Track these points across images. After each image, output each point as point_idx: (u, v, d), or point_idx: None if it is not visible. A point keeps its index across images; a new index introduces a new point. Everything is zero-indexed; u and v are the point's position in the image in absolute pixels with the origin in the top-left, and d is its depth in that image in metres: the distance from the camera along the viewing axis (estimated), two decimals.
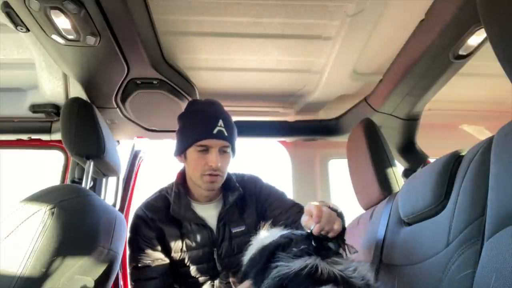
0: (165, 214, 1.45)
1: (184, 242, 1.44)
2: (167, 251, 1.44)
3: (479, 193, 0.78)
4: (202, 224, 1.45)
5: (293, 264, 0.83)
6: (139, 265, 1.41)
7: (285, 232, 1.05)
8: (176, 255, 1.44)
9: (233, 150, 1.46)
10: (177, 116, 1.50)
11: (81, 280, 1.30)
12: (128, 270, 1.58)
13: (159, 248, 1.43)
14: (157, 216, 1.44)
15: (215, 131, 1.36)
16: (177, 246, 1.43)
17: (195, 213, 1.46)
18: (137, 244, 1.43)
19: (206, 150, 1.38)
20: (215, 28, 1.43)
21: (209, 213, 1.49)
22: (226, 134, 1.38)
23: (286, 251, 0.90)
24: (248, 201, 1.54)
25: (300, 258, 0.85)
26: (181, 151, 1.44)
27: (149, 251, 1.41)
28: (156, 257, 1.42)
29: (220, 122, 1.38)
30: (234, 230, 1.48)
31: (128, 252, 1.47)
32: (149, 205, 1.48)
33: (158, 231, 1.43)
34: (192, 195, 1.51)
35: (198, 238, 1.44)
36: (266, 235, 1.09)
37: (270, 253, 0.92)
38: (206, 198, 1.50)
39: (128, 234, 1.49)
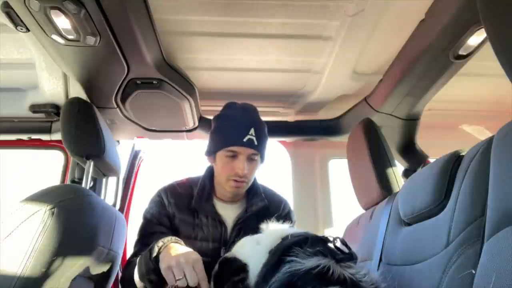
0: (184, 202, 1.48)
1: (196, 232, 1.45)
2: (176, 233, 1.44)
3: (479, 193, 0.77)
4: (218, 220, 1.47)
5: (307, 261, 0.83)
6: (144, 233, 1.44)
7: (297, 230, 1.05)
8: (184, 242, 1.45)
9: (262, 157, 1.49)
10: (213, 117, 1.54)
11: (81, 280, 1.30)
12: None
13: (167, 225, 1.45)
14: (175, 201, 1.47)
15: (245, 139, 1.39)
16: (188, 232, 1.44)
17: (215, 208, 1.49)
18: (148, 217, 1.46)
19: (234, 156, 1.41)
20: (215, 28, 1.43)
21: (228, 213, 1.51)
22: (256, 143, 1.41)
23: (303, 249, 0.90)
24: (270, 217, 1.53)
25: (315, 257, 0.85)
26: (212, 153, 1.48)
27: (155, 226, 1.44)
28: (158, 230, 1.43)
29: (252, 131, 1.40)
30: None
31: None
32: (173, 189, 1.52)
33: (170, 214, 1.46)
34: (216, 193, 1.54)
35: (211, 231, 1.46)
36: (275, 231, 1.08)
37: (285, 249, 0.92)
38: (228, 198, 1.52)
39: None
